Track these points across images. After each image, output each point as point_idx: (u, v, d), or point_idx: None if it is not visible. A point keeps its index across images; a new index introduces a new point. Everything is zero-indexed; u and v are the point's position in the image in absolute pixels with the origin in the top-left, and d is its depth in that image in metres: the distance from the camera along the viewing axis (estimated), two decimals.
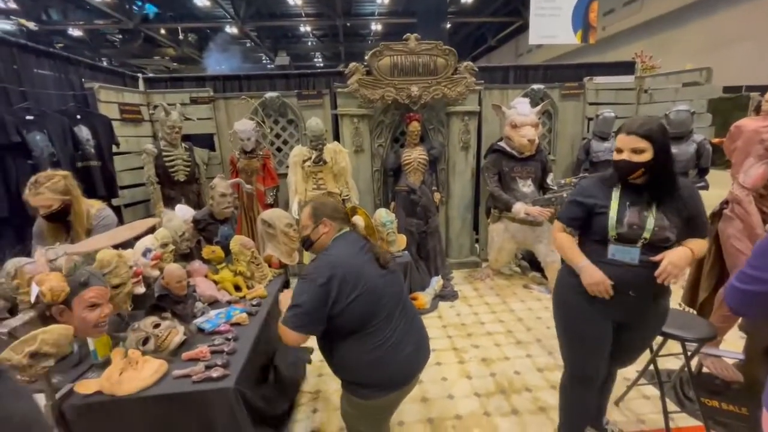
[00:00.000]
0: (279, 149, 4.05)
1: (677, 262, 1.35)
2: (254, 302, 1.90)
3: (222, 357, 1.43)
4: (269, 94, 3.77)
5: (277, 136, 4.03)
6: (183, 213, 2.13)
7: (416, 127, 3.66)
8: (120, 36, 17.69)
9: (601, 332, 1.56)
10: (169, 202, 3.34)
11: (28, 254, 1.97)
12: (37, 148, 2.47)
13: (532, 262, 4.12)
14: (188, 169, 3.41)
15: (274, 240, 2.34)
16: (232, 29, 17.12)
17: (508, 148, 3.57)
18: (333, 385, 2.37)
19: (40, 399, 1.26)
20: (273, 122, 3.96)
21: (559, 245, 1.65)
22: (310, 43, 22.91)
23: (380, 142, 3.97)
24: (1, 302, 1.52)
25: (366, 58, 3.64)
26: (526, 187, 3.58)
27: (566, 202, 1.64)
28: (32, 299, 1.13)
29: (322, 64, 25.14)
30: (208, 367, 1.37)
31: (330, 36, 20.66)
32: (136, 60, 18.73)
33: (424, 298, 3.32)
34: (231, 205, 2.21)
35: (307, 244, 1.53)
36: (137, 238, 1.82)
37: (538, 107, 3.62)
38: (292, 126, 4.01)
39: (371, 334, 1.40)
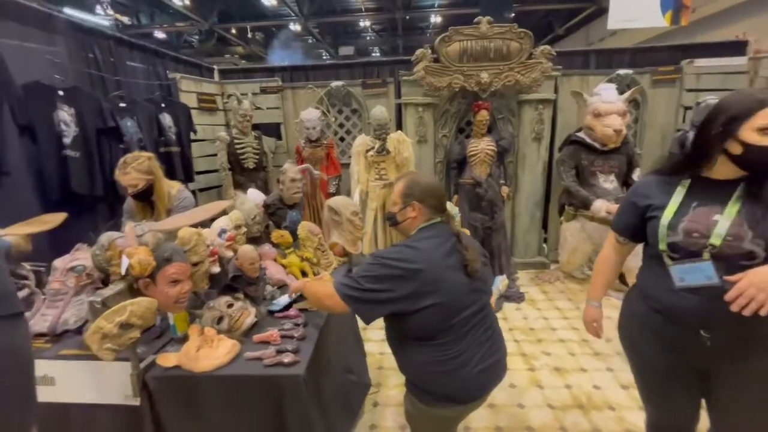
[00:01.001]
0: (342, 139, 4.06)
1: (761, 282, 0.93)
2: None
3: (292, 342, 1.40)
4: (335, 84, 3.78)
5: (341, 125, 4.03)
6: (254, 197, 2.17)
7: (485, 116, 3.45)
8: (197, 36, 19.22)
9: (675, 379, 1.20)
10: (239, 188, 3.47)
11: (119, 229, 2.13)
12: (128, 134, 2.67)
13: None
14: (257, 156, 3.52)
15: (340, 227, 2.29)
16: (295, 26, 17.77)
17: (588, 140, 3.24)
18: (393, 380, 2.30)
19: (126, 368, 1.32)
20: (337, 111, 3.97)
21: (595, 264, 1.43)
22: (368, 38, 23.09)
23: (444, 132, 3.81)
24: (97, 273, 1.63)
25: (435, 43, 3.49)
26: (608, 183, 3.23)
27: (620, 205, 1.33)
28: (122, 271, 1.17)
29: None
30: (279, 352, 1.34)
31: (389, 30, 20.62)
32: (210, 58, 20.18)
33: None
34: (300, 190, 2.20)
35: (392, 221, 1.42)
36: (211, 219, 1.87)
37: (626, 94, 3.24)
38: (356, 116, 3.99)
39: (441, 346, 1.26)
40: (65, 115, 2.30)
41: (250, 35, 19.63)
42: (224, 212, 2.02)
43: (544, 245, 4.12)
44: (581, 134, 3.30)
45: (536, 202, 3.83)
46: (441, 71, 3.51)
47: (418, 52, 3.52)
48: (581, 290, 3.46)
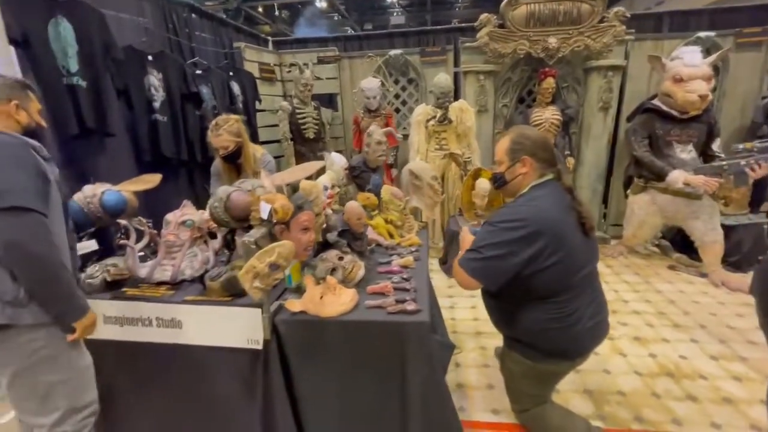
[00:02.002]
0: (397, 110, 4.00)
1: None
2: (413, 249, 1.89)
3: (410, 293, 1.42)
4: (393, 52, 3.71)
5: (396, 96, 3.98)
6: (338, 160, 2.18)
7: (551, 83, 3.33)
8: (224, 16, 19.24)
9: None
10: (300, 158, 3.52)
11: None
12: (205, 100, 2.72)
13: (674, 242, 3.61)
14: (317, 126, 3.54)
15: (419, 192, 2.30)
16: (321, 3, 17.44)
17: (664, 107, 3.07)
18: (470, 343, 2.33)
19: (248, 313, 1.38)
20: (393, 81, 3.91)
21: None
22: (395, 13, 22.47)
23: (505, 102, 3.71)
24: (207, 225, 1.70)
25: (500, 7, 3.36)
26: (686, 153, 3.07)
27: None
28: (264, 216, 1.21)
29: None
30: (398, 301, 1.37)
31: (416, 5, 20.00)
32: None
33: None
34: (385, 153, 2.21)
35: (499, 182, 1.40)
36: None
37: (712, 57, 3.02)
38: (412, 85, 3.93)
39: (556, 304, 1.27)
40: (154, 79, 2.37)
41: (276, 13, 19.47)
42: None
43: (603, 221, 4.01)
44: (656, 102, 3.13)
45: (599, 175, 3.70)
46: (506, 37, 3.38)
47: (483, 17, 3.39)
48: (647, 265, 3.36)
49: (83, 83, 1.92)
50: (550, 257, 1.20)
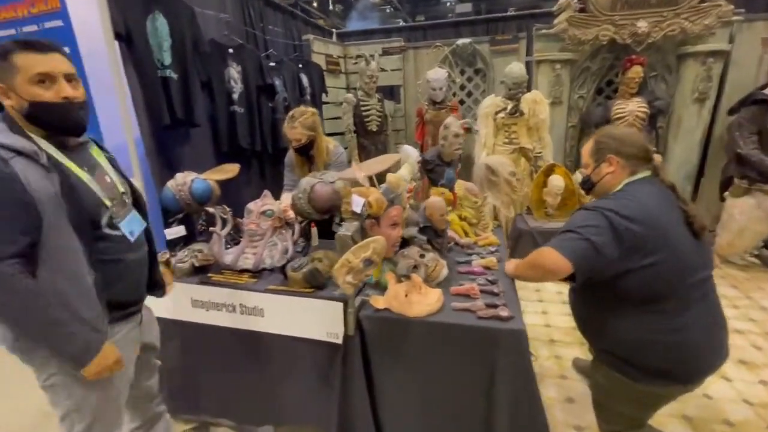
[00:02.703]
0: (461, 102, 3.85)
1: None
2: (492, 248, 1.79)
3: (499, 297, 1.33)
4: (461, 41, 3.56)
5: (462, 87, 3.82)
6: (412, 152, 2.12)
7: (638, 72, 3.02)
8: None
9: None
10: (362, 151, 3.50)
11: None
12: (277, 92, 2.77)
13: None
14: (380, 119, 3.49)
15: (496, 188, 2.18)
16: None
17: None
18: (544, 351, 2.19)
19: (328, 306, 1.36)
20: (459, 72, 3.76)
21: None
22: (448, 4, 21.97)
23: (581, 93, 3.43)
24: (286, 214, 1.71)
25: None
26: None
27: None
28: (357, 209, 1.17)
29: None
30: (488, 305, 1.28)
31: None
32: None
33: None
34: (461, 146, 2.11)
35: (587, 186, 1.28)
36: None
37: None
38: (479, 76, 3.75)
39: (660, 314, 1.11)
40: (234, 72, 2.45)
41: (331, 8, 19.80)
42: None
43: None
44: None
45: (688, 173, 3.32)
46: (587, 21, 3.11)
47: (562, 0, 3.14)
48: (747, 278, 2.97)
49: (175, 76, 2.02)
50: (648, 256, 1.06)
